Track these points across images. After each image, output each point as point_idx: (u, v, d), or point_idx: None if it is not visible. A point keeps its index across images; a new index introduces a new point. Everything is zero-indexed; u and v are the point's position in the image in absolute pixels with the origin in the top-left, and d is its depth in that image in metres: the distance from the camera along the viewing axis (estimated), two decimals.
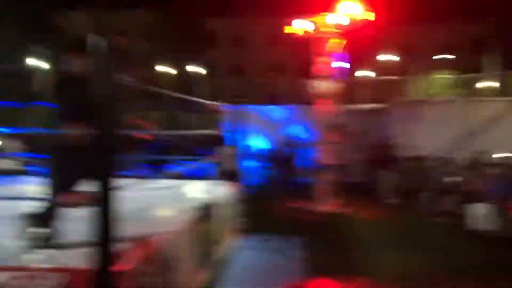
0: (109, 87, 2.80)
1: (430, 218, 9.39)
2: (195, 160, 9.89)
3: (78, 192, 3.24)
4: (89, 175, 2.98)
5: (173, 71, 34.43)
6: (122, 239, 3.50)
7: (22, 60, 23.02)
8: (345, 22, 10.17)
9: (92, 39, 2.79)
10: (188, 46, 42.96)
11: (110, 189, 2.81)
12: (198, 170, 11.50)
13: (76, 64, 3.18)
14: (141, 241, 3.67)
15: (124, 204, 5.25)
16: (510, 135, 11.92)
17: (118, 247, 2.97)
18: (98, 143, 2.76)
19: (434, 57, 26.60)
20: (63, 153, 3.38)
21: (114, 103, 2.83)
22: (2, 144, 13.06)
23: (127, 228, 4.20)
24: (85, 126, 3.01)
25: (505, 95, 16.95)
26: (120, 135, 2.99)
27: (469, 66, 33.02)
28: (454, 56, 31.16)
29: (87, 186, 3.19)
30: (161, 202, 5.84)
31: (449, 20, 37.31)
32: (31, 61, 22.84)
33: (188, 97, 7.98)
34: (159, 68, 34.12)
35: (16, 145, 12.47)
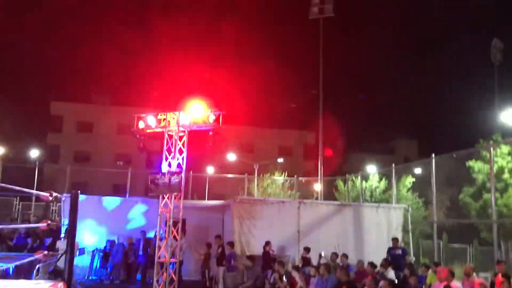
0: None
1: None
2: (19, 255, 8.90)
3: None
4: None
5: (11, 152, 31.39)
6: None
7: None
8: (193, 121, 10.68)
9: None
10: (29, 128, 40.07)
11: None
12: (22, 268, 10.33)
13: None
14: None
15: None
16: (334, 235, 13.21)
17: None
18: None
19: (272, 160, 29.11)
20: None
21: None
22: None
23: None
24: None
25: (333, 199, 19.01)
26: None
27: (302, 169, 36.56)
28: (288, 159, 34.41)
29: None
30: None
31: (284, 127, 41.72)
32: None
33: (18, 188, 7.36)
34: None
35: None
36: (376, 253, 12.28)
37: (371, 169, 23.95)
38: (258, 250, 12.57)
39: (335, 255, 11.65)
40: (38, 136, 38.20)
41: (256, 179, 24.06)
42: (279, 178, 25.01)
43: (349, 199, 18.58)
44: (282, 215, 13.22)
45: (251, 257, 11.41)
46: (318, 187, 22.61)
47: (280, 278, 9.94)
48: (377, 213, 13.98)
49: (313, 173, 28.10)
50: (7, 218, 22.46)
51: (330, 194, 21.13)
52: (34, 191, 8.81)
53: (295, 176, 20.95)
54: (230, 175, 24.58)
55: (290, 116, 41.90)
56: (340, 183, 20.57)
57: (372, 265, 10.47)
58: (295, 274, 9.71)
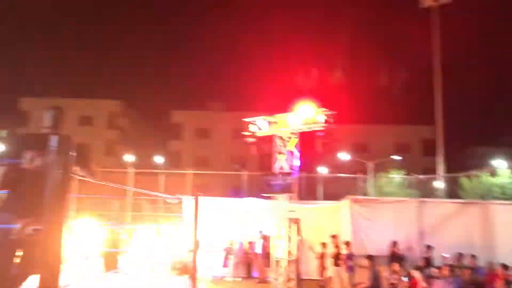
0: (64, 184, 2.94)
1: None
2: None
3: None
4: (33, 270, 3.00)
5: (138, 160, 34.48)
6: None
7: None
8: (304, 122, 10.77)
9: (51, 136, 2.97)
10: (153, 136, 43.53)
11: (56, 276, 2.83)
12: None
13: (35, 160, 3.31)
14: None
15: None
16: (458, 235, 12.38)
17: None
18: (48, 238, 2.83)
19: (387, 157, 28.03)
20: (5, 249, 3.38)
21: (65, 196, 2.95)
22: None
23: None
24: (36, 221, 3.07)
25: (454, 197, 17.78)
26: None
27: (420, 166, 34.70)
28: (403, 156, 32.87)
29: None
30: None
31: (399, 122, 39.87)
32: None
33: (146, 191, 8.07)
34: (125, 156, 34.17)
35: None
36: (509, 254, 11.25)
37: (500, 163, 21.96)
38: (375, 250, 12.23)
39: (460, 255, 10.91)
40: (162, 144, 41.31)
41: (371, 179, 23.43)
42: (396, 176, 24.07)
43: (475, 197, 17.24)
44: (400, 215, 12.72)
45: (368, 257, 11.13)
46: (439, 184, 21.33)
47: (399, 280, 9.57)
48: (510, 211, 12.80)
49: (433, 171, 26.60)
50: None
51: (452, 192, 19.81)
52: (165, 195, 9.61)
53: (413, 174, 19.97)
54: (343, 175, 24.25)
55: (406, 111, 40.07)
56: (464, 180, 19.18)
57: (504, 267, 9.63)
58: (416, 275, 9.27)
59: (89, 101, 42.03)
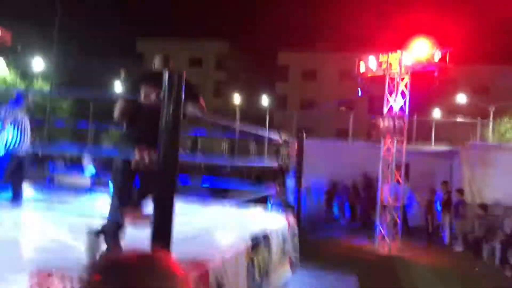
0: (178, 117, 3.08)
1: (496, 270, 8.89)
2: (256, 190, 10.11)
3: (141, 213, 3.49)
4: (152, 197, 3.24)
5: (245, 101, 35.38)
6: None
7: (108, 87, 25.08)
8: (417, 60, 10.09)
9: (166, 73, 3.10)
10: (260, 78, 44.02)
11: (170, 211, 3.04)
12: (256, 200, 11.71)
13: (150, 95, 3.49)
14: (194, 263, 3.86)
15: (183, 227, 5.53)
16: None
17: None
18: (162, 167, 3.02)
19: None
20: (127, 176, 3.69)
21: (179, 131, 3.10)
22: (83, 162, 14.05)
23: (182, 249, 4.45)
24: (152, 151, 3.29)
25: None
26: (181, 161, 3.24)
27: None
28: None
29: (149, 207, 3.44)
30: (219, 228, 6.05)
31: None
32: (116, 88, 24.83)
33: (254, 129, 8.25)
34: (233, 97, 35.24)
35: (88, 164, 13.36)
36: None
37: None
38: (492, 199, 11.47)
39: None
40: (268, 86, 41.68)
41: (491, 123, 21.60)
42: None
43: None
44: None
45: (483, 206, 10.47)
46: None
47: None
48: None
49: None
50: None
51: None
52: (269, 135, 9.80)
53: None
54: (459, 119, 22.62)
55: None
56: None
57: None
58: None
59: (198, 42, 43.29)
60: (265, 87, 40.34)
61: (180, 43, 41.35)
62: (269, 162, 18.39)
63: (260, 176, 17.31)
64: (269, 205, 11.52)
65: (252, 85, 41.77)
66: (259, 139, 27.69)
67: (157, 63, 4.01)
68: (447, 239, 11.42)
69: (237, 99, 33.65)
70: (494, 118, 23.21)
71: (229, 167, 17.76)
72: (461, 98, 28.28)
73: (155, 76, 3.61)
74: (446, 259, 9.78)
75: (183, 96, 3.11)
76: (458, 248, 10.79)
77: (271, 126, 25.32)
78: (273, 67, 43.60)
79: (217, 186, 10.79)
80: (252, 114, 27.12)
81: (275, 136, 7.99)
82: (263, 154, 27.03)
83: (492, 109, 23.09)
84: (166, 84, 3.06)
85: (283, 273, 6.88)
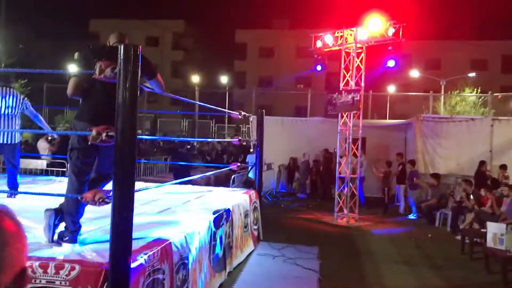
0: (135, 92, 3.04)
1: (447, 235, 9.37)
2: (217, 167, 10.14)
3: (101, 190, 3.46)
4: (111, 175, 3.22)
5: (203, 81, 35.05)
6: (139, 237, 3.73)
7: (64, 66, 24.24)
8: (371, 35, 10.27)
9: (122, 47, 3.04)
10: (218, 56, 43.60)
11: (129, 189, 3.03)
12: (221, 178, 11.78)
13: (105, 70, 3.42)
14: (158, 240, 3.88)
15: (145, 205, 5.52)
16: None
17: (135, 244, 3.17)
18: (119, 143, 2.99)
19: (461, 75, 26.23)
20: (84, 154, 3.64)
21: (136, 106, 3.06)
22: (37, 144, 13.61)
23: (145, 227, 4.46)
24: (109, 128, 3.24)
25: None
26: (138, 139, 3.22)
27: (498, 84, 32.50)
28: (481, 73, 30.67)
29: (109, 185, 3.41)
30: (181, 205, 6.07)
31: (477, 37, 36.83)
32: (70, 67, 24.01)
33: (213, 107, 8.23)
34: (191, 77, 34.82)
35: (45, 146, 12.96)
36: None
37: None
38: (443, 169, 12.00)
39: None
40: (226, 64, 41.41)
41: (442, 97, 22.37)
42: (470, 94, 22.80)
43: None
44: (472, 134, 12.22)
45: (435, 176, 10.94)
46: None
47: (467, 197, 9.39)
48: None
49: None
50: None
51: None
52: (226, 110, 9.81)
53: (489, 92, 18.78)
54: (413, 93, 23.30)
55: (485, 25, 36.95)
56: None
57: None
58: (484, 193, 9.03)
59: (154, 21, 42.26)
60: (224, 66, 40.05)
61: (135, 23, 40.24)
62: (229, 139, 18.43)
63: (221, 154, 17.35)
64: (231, 181, 11.61)
65: (211, 64, 41.35)
66: (219, 118, 27.60)
67: (112, 39, 3.92)
68: (402, 209, 11.89)
69: (195, 78, 33.27)
70: (445, 91, 24.03)
71: (190, 145, 17.67)
72: (414, 73, 29.08)
73: (109, 50, 3.54)
74: (401, 227, 10.20)
75: (139, 70, 3.07)
76: (413, 217, 11.28)
77: (231, 105, 25.27)
78: (230, 45, 43.26)
79: (178, 165, 10.75)
80: (212, 93, 26.92)
81: (234, 114, 8.00)
82: (223, 132, 27.00)
83: (443, 83, 23.91)
84: (122, 57, 3.01)
85: (246, 246, 7.01)
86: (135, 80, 3.04)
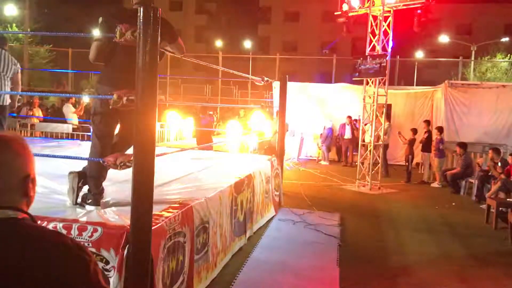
0: (155, 56, 3.01)
1: (472, 204, 9.25)
2: (239, 132, 10.16)
3: (123, 154, 3.49)
4: (132, 139, 3.22)
5: (227, 45, 34.75)
6: (160, 201, 3.78)
7: (90, 30, 24.35)
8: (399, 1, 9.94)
9: (141, 10, 2.99)
10: (241, 20, 42.98)
11: (151, 154, 3.04)
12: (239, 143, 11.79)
13: (126, 34, 3.38)
14: (179, 203, 3.93)
15: (168, 170, 5.58)
16: None
17: (156, 207, 3.21)
18: (140, 107, 2.98)
19: (494, 40, 25.20)
20: (107, 118, 3.66)
21: (156, 70, 3.03)
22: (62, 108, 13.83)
23: (167, 190, 4.51)
24: (130, 92, 3.24)
25: None
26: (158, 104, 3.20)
27: None
28: None
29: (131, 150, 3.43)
30: (203, 170, 6.13)
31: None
32: (95, 32, 24.18)
33: (236, 72, 8.16)
34: (215, 42, 34.55)
35: (71, 110, 13.16)
36: None
37: None
38: (470, 137, 11.74)
39: None
40: (250, 29, 40.85)
41: (472, 63, 21.67)
42: (502, 60, 22.01)
43: None
44: (501, 101, 11.85)
45: (462, 144, 10.71)
46: None
47: (495, 166, 9.18)
48: None
49: None
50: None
51: None
52: (249, 76, 9.71)
53: None
54: (442, 59, 22.60)
55: None
56: None
57: None
58: (511, 161, 8.81)
59: None
60: (247, 30, 39.53)
61: None
62: (252, 105, 18.34)
63: (245, 117, 17.32)
64: (252, 146, 11.63)
65: (234, 28, 40.85)
66: (242, 84, 27.44)
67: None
68: (426, 177, 11.74)
69: (219, 43, 32.99)
70: (475, 57, 23.26)
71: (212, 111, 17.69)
72: (444, 38, 28.13)
73: (129, 13, 3.49)
74: (424, 195, 10.10)
75: (159, 33, 3.02)
76: (437, 185, 11.14)
77: (255, 70, 25.05)
78: (254, 8, 42.53)
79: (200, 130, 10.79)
80: (235, 58, 26.67)
81: (257, 79, 7.91)
82: (246, 98, 26.89)
83: (473, 48, 23.10)
84: (141, 20, 2.97)
85: (267, 212, 7.07)
86: (155, 44, 3.00)
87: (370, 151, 10.41)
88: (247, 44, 34.61)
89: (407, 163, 12.00)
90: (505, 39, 26.37)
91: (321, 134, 14.69)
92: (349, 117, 13.87)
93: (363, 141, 10.78)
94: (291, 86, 14.28)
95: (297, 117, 14.28)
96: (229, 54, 30.14)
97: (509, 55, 22.94)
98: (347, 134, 13.97)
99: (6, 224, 1.17)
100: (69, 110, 13.19)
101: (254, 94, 27.02)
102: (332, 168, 13.42)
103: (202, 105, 13.35)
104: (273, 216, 7.18)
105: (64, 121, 12.44)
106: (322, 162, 14.43)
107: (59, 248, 1.17)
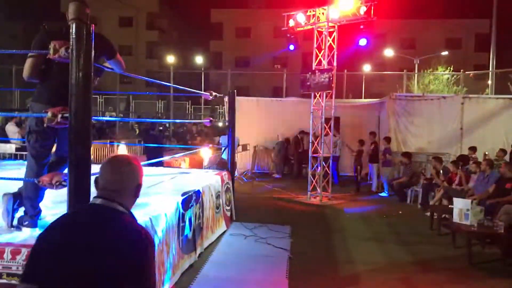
0: (88, 71, 2.95)
1: (417, 212, 9.56)
2: (191, 148, 10.09)
3: (58, 174, 3.38)
4: (66, 157, 3.13)
5: (179, 61, 34.57)
6: None
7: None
8: (343, 14, 10.23)
9: (73, 26, 2.93)
10: (193, 36, 42.97)
11: (84, 172, 2.96)
12: (194, 159, 11.71)
13: (60, 50, 3.30)
14: None
15: None
16: (503, 132, 12.06)
17: None
18: (73, 125, 2.92)
19: (435, 53, 26.47)
20: (42, 137, 3.54)
21: (90, 87, 2.98)
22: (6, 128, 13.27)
23: None
24: (65, 109, 3.15)
25: (504, 93, 16.86)
26: (92, 120, 3.14)
27: (471, 62, 32.94)
28: (455, 52, 31.01)
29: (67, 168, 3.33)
30: (150, 187, 6.02)
31: (452, 16, 37.17)
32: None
33: (185, 88, 8.14)
34: (166, 58, 34.29)
35: (14, 130, 12.66)
36: None
37: None
38: (415, 147, 12.18)
39: (502, 152, 10.67)
40: (202, 44, 40.91)
41: (416, 75, 22.58)
42: (443, 73, 23.06)
43: None
44: (443, 112, 12.38)
45: (406, 154, 11.10)
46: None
47: (437, 174, 9.56)
48: None
49: (485, 67, 25.20)
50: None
51: (503, 88, 18.84)
52: (198, 91, 9.69)
53: (462, 70, 19.01)
54: (387, 72, 23.42)
55: (461, 3, 37.23)
56: None
57: None
58: (453, 169, 9.21)
59: (127, 0, 41.33)
60: (200, 46, 39.55)
61: (108, 2, 39.22)
62: (204, 121, 18.28)
63: (196, 134, 17.23)
64: (204, 162, 11.56)
65: (186, 44, 40.76)
66: (195, 99, 27.33)
67: (70, 11, 3.71)
68: (374, 187, 12.06)
69: (171, 59, 32.79)
70: (419, 70, 24.25)
71: (163, 127, 17.50)
72: (389, 52, 29.22)
73: (66, 30, 3.41)
74: (373, 205, 10.35)
75: (92, 49, 2.98)
76: (384, 194, 11.46)
77: (207, 86, 25.00)
78: (206, 25, 42.69)
79: (151, 146, 10.63)
80: (188, 74, 26.58)
81: (205, 94, 7.91)
82: (200, 113, 26.79)
83: (417, 62, 24.09)
84: (73, 36, 2.92)
85: (218, 227, 7.02)
86: (89, 59, 2.96)
87: (320, 163, 10.60)
88: (199, 59, 34.60)
89: (356, 174, 12.30)
90: (446, 53, 27.69)
91: (273, 148, 14.82)
92: (303, 131, 14.07)
93: (313, 153, 10.97)
94: (243, 100, 14.46)
95: (250, 131, 14.36)
96: (181, 69, 30.02)
97: (449, 67, 24.06)
98: (299, 147, 14.17)
99: (111, 212, 1.75)
100: (12, 130, 12.67)
101: (207, 109, 26.96)
102: (285, 180, 13.55)
103: (152, 122, 13.18)
104: (224, 231, 7.14)
105: (7, 141, 11.94)
106: (275, 175, 14.54)
107: (133, 234, 1.70)
